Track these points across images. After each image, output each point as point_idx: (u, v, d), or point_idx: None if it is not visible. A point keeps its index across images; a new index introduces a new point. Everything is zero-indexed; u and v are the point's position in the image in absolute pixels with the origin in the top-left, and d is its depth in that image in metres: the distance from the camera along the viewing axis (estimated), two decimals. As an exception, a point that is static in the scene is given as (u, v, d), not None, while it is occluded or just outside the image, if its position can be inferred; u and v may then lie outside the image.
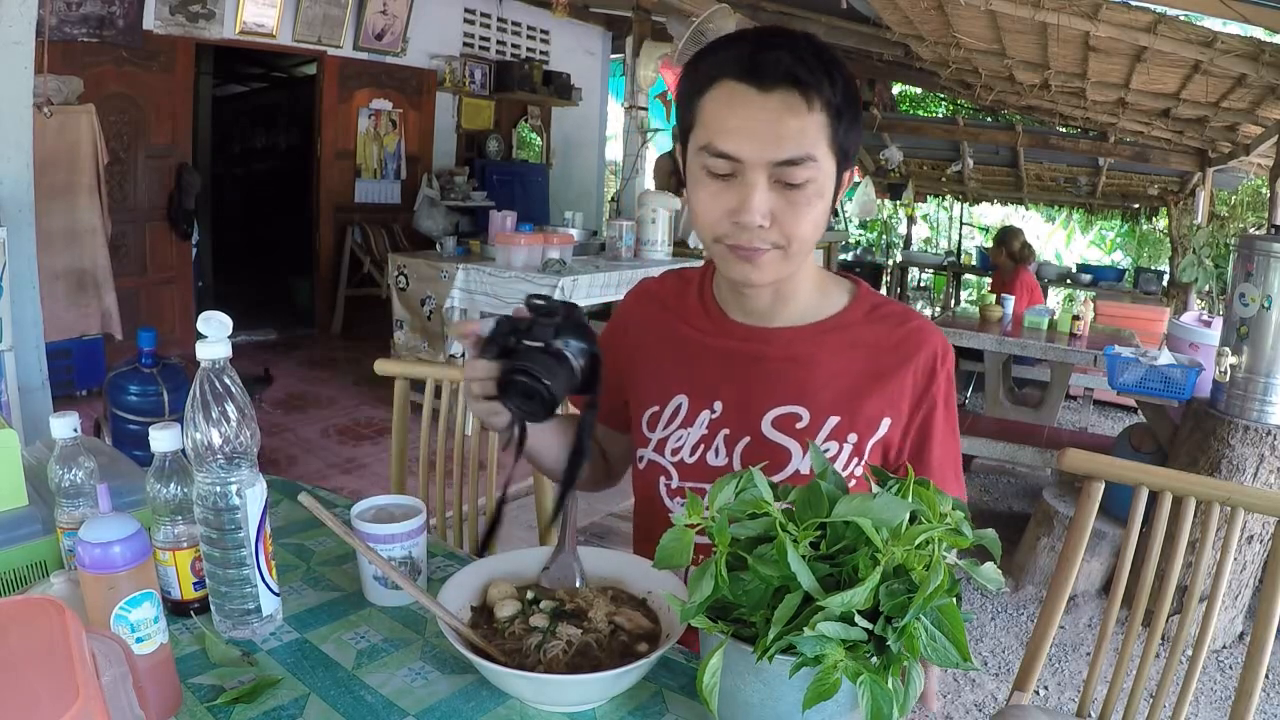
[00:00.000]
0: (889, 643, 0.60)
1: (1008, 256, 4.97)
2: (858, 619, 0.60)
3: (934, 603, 0.60)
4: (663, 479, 1.06)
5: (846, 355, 1.00)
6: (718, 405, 1.03)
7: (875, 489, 0.68)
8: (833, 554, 0.64)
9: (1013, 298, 4.23)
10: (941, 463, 1.02)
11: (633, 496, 1.14)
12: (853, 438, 0.99)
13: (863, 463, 0.99)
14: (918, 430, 1.01)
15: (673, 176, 6.14)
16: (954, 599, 0.62)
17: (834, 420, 0.99)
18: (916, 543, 0.62)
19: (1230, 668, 2.57)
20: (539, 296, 0.89)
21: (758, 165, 0.86)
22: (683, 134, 0.95)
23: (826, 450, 0.99)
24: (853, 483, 0.88)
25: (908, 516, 0.62)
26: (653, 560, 0.73)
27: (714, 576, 0.64)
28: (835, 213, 0.98)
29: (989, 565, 0.65)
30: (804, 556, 0.62)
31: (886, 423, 1.00)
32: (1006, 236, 5.04)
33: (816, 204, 0.89)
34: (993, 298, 4.27)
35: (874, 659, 0.61)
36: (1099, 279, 6.76)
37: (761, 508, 0.65)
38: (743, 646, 0.64)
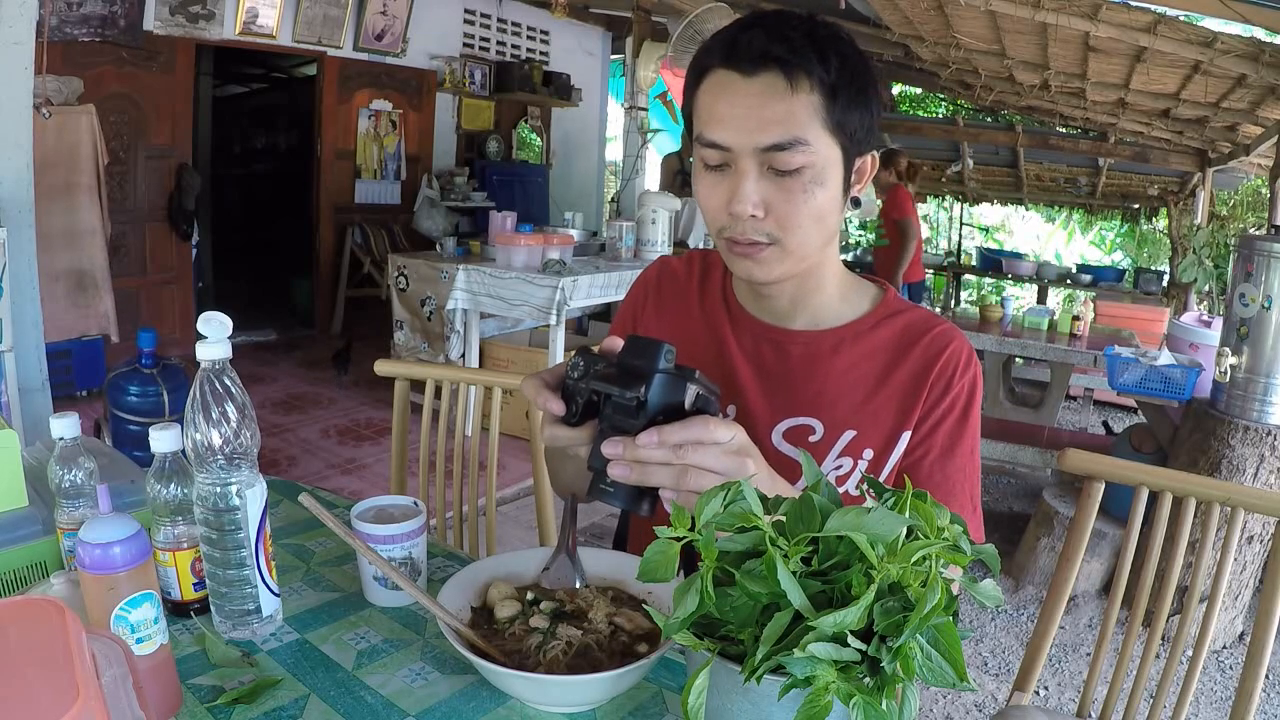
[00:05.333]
0: (883, 664, 0.57)
1: (896, 175, 5.01)
2: (850, 639, 0.57)
3: (931, 621, 0.57)
4: None
5: (864, 364, 0.94)
6: (731, 409, 0.97)
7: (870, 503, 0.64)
8: (825, 570, 0.61)
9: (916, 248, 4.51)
10: (945, 481, 0.93)
11: None
12: (868, 454, 0.93)
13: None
14: (923, 441, 0.93)
15: (677, 176, 6.14)
16: (951, 616, 0.60)
17: (849, 435, 0.93)
18: (913, 559, 0.59)
19: (1230, 668, 2.56)
20: (634, 351, 0.72)
21: (745, 153, 0.82)
22: (688, 131, 0.91)
23: (839, 468, 0.93)
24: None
25: (904, 531, 0.60)
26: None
27: (699, 592, 0.61)
28: (856, 203, 0.90)
29: (988, 581, 0.63)
30: (795, 573, 0.59)
31: (906, 438, 0.93)
32: (894, 155, 5.09)
33: (815, 192, 0.83)
34: (994, 298, 4.28)
35: (867, 680, 0.58)
36: (1099, 279, 6.76)
37: (751, 521, 0.62)
38: (730, 665, 0.61)
